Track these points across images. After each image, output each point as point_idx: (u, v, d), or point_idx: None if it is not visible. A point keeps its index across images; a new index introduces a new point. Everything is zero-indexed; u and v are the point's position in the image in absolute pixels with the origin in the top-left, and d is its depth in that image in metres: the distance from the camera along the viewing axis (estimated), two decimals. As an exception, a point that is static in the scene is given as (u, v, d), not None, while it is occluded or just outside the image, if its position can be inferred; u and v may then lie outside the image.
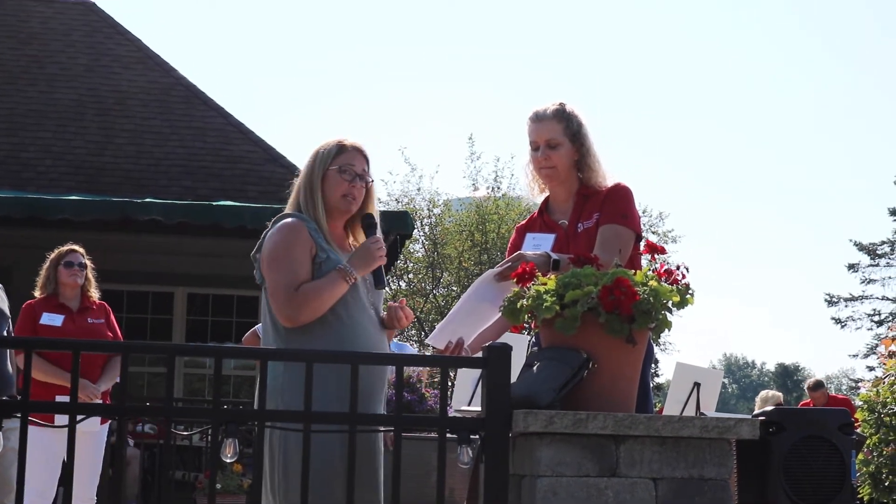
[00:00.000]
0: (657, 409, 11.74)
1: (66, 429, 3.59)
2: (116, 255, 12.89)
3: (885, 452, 8.58)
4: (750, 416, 4.20)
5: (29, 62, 15.43)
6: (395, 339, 10.83)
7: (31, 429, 4.02)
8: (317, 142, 4.53)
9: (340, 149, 4.43)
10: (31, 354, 3.58)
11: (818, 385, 13.99)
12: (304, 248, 4.26)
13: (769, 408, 4.79)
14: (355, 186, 4.42)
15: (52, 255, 7.43)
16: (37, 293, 7.38)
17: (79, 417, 3.59)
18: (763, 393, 12.52)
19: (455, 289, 31.34)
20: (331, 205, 4.40)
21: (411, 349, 10.03)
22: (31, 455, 6.49)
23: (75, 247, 7.47)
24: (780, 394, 12.52)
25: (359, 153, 4.46)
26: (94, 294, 7.47)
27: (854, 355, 50.28)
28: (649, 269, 3.87)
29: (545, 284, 3.83)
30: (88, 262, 7.48)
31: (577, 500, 3.60)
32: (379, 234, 4.46)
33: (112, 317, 7.52)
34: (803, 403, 15.11)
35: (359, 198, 4.45)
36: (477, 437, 3.76)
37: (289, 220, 4.35)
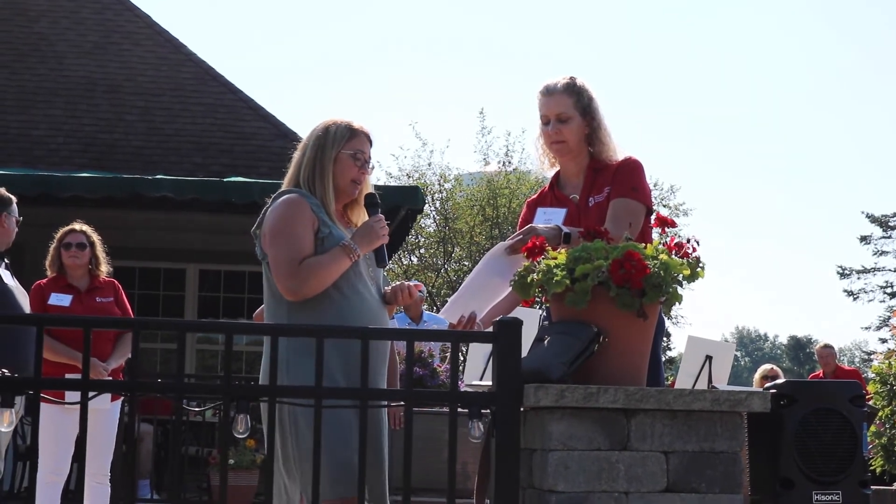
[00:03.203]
0: (669, 382, 11.77)
1: (78, 406, 3.59)
2: (128, 231, 12.90)
3: (897, 424, 8.58)
4: (761, 389, 4.19)
5: (38, 40, 15.42)
6: (427, 313, 10.89)
7: (43, 406, 4.03)
8: (321, 117, 4.55)
9: (352, 133, 4.47)
10: (41, 331, 3.59)
11: (826, 345, 14.16)
12: (306, 222, 4.29)
13: (780, 381, 4.79)
14: (364, 173, 4.47)
15: (57, 235, 7.42)
16: (47, 272, 7.38)
17: (90, 394, 3.60)
18: (761, 368, 12.57)
19: (466, 263, 31.35)
20: (339, 188, 4.45)
21: (444, 322, 10.02)
22: (44, 432, 6.55)
23: (77, 226, 7.41)
24: (777, 367, 12.57)
25: (366, 138, 4.52)
26: (103, 272, 7.43)
27: (866, 327, 50.35)
28: (660, 243, 3.86)
29: (555, 259, 3.83)
30: (97, 240, 7.45)
31: (589, 473, 3.61)
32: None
33: (122, 294, 7.49)
34: (813, 376, 15.15)
35: (364, 183, 4.50)
36: (488, 411, 3.76)
37: (290, 195, 4.37)
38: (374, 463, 4.23)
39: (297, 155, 4.53)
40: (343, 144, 4.43)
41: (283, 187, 4.49)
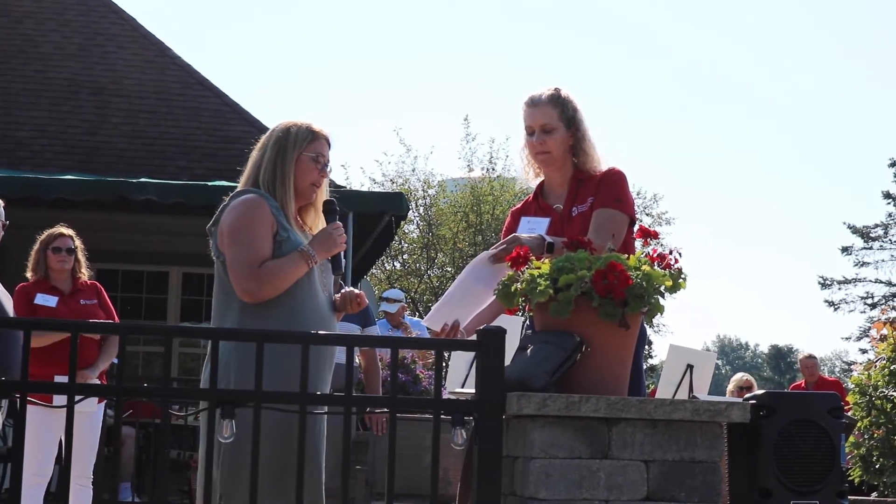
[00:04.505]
0: (650, 390, 11.82)
1: (64, 409, 3.61)
2: (112, 234, 12.91)
3: (875, 435, 8.65)
4: (741, 400, 4.24)
5: (23, 41, 15.40)
6: (408, 317, 10.95)
7: (29, 408, 4.08)
8: (284, 118, 4.56)
9: (314, 135, 4.49)
10: (29, 335, 3.60)
11: (810, 356, 14.23)
12: (266, 224, 4.30)
13: (759, 391, 4.84)
14: (323, 176, 4.50)
15: (41, 238, 7.41)
16: (28, 275, 7.39)
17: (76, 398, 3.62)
18: (735, 377, 12.61)
19: (449, 269, 31.39)
20: (298, 190, 4.45)
21: (424, 328, 10.07)
22: (28, 433, 6.56)
23: (63, 230, 7.43)
24: (751, 377, 12.60)
25: (326, 142, 4.54)
26: (85, 275, 7.46)
27: (847, 338, 50.59)
28: (642, 254, 3.91)
29: (539, 268, 3.86)
30: (79, 243, 7.47)
31: (570, 481, 3.64)
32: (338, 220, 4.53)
33: (104, 296, 7.51)
34: (794, 386, 15.23)
35: (323, 187, 4.53)
36: (471, 418, 3.79)
37: (250, 195, 4.37)
38: (288, 472, 4.16)
39: (255, 154, 4.52)
40: (305, 146, 4.44)
41: (241, 186, 4.48)
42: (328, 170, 4.53)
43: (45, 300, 7.23)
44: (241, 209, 4.34)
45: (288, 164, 4.41)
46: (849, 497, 5.03)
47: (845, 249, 48.35)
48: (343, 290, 4.54)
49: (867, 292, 48.36)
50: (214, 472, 4.19)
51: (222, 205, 4.43)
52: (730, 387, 12.30)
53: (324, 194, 4.56)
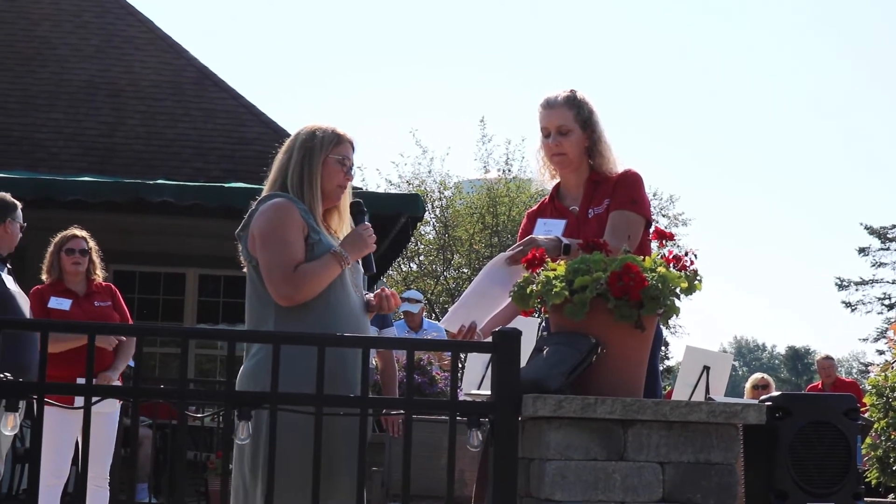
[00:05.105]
0: (666, 392, 11.81)
1: (81, 410, 3.63)
2: (128, 236, 12.94)
3: (892, 437, 8.62)
4: (757, 402, 4.23)
5: (41, 43, 15.46)
6: (427, 321, 10.97)
7: (46, 409, 4.11)
8: (307, 122, 4.58)
9: (339, 138, 4.51)
10: (46, 337, 3.62)
11: (827, 357, 14.21)
12: (297, 228, 4.32)
13: (774, 392, 4.83)
14: (349, 179, 4.52)
15: (55, 240, 7.41)
16: (43, 277, 7.41)
17: (94, 399, 3.63)
18: (752, 377, 12.59)
19: (466, 271, 31.38)
20: (325, 192, 4.47)
21: (443, 331, 10.08)
22: (45, 435, 6.59)
23: (77, 232, 7.44)
24: (768, 377, 12.56)
25: (351, 145, 4.56)
26: (99, 276, 7.46)
27: (864, 339, 50.30)
28: (658, 255, 3.90)
29: (555, 270, 3.87)
30: (93, 245, 7.47)
31: (586, 483, 3.64)
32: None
33: (119, 297, 7.51)
34: (811, 387, 15.20)
35: (348, 190, 4.54)
36: (487, 420, 3.80)
37: (280, 199, 4.38)
38: (327, 474, 4.12)
39: (281, 158, 4.53)
40: (331, 149, 4.47)
41: (267, 190, 4.50)
42: (352, 173, 4.55)
43: (59, 303, 7.24)
44: (271, 213, 4.35)
45: (315, 166, 4.43)
46: (865, 499, 5.03)
47: (862, 250, 48.23)
48: (377, 291, 4.56)
49: (884, 293, 48.24)
50: (235, 469, 4.22)
51: (251, 209, 4.45)
52: (747, 385, 12.29)
53: (348, 199, 4.59)
